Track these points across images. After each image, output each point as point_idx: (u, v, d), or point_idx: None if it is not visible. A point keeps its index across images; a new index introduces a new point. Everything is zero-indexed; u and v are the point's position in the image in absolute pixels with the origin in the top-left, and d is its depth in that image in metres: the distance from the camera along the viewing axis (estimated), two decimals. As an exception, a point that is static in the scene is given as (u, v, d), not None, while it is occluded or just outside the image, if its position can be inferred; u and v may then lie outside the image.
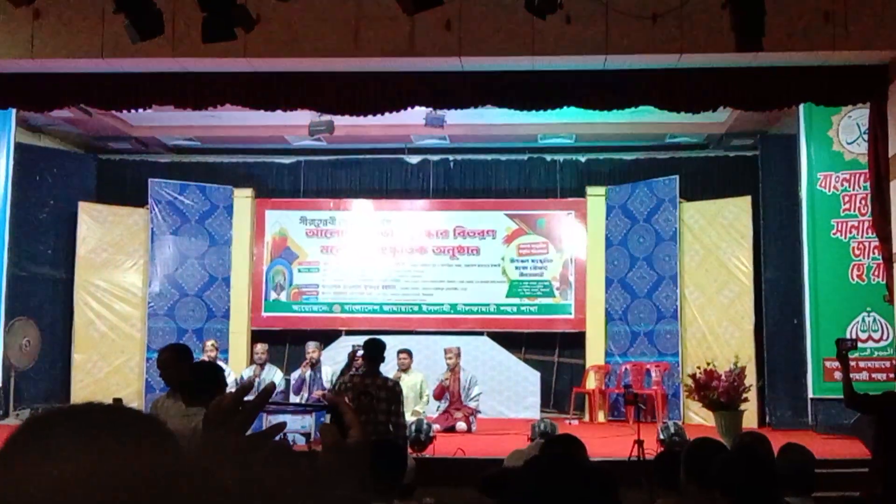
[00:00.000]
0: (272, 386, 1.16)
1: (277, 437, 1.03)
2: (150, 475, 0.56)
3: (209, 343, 11.48)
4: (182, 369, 5.11)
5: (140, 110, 9.58)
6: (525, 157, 13.36)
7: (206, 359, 10.72)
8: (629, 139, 12.80)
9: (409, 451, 7.34)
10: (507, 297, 13.05)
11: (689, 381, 10.45)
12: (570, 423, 11.21)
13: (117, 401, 5.96)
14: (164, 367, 5.10)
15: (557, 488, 1.97)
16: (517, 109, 8.93)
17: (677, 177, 12.44)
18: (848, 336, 9.64)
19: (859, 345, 9.23)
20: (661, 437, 8.26)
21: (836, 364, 8.97)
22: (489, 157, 13.42)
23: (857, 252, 10.28)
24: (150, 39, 7.12)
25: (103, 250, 12.69)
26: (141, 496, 0.55)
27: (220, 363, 10.39)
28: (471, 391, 11.07)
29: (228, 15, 6.93)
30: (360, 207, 13.38)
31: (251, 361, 11.58)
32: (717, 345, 11.72)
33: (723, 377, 10.12)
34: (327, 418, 1.17)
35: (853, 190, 10.33)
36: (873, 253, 9.98)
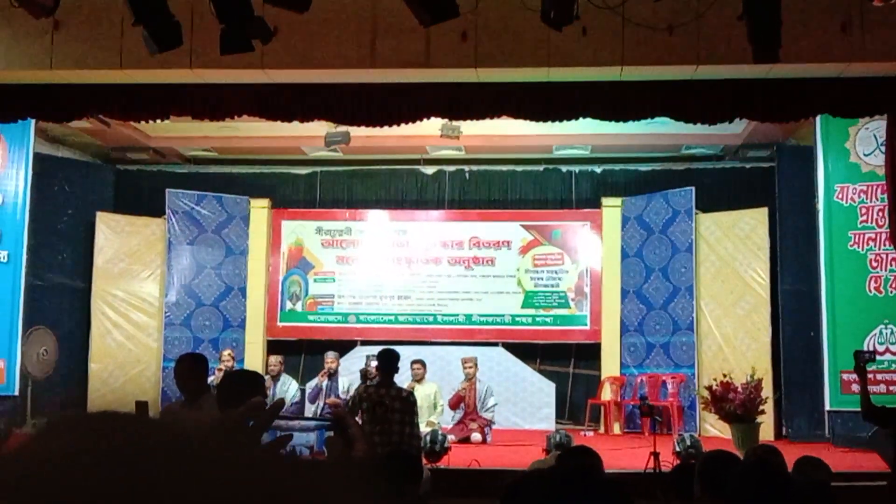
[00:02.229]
0: (281, 402, 1.16)
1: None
2: (161, 483, 0.57)
3: (226, 353, 11.48)
4: (200, 379, 5.11)
5: (158, 121, 9.63)
6: (541, 167, 13.36)
7: (222, 368, 10.74)
8: (645, 150, 12.79)
9: (424, 461, 7.34)
10: (523, 307, 13.04)
11: (706, 393, 10.42)
12: (585, 435, 11.18)
13: (142, 404, 5.91)
14: (182, 377, 5.08)
15: (573, 501, 1.97)
16: (533, 120, 8.94)
17: (693, 188, 12.41)
18: (865, 348, 9.59)
19: (877, 357, 9.18)
20: (677, 449, 8.23)
21: (853, 376, 8.93)
22: (505, 167, 13.42)
23: (874, 264, 10.23)
24: (169, 51, 7.17)
25: (120, 260, 12.76)
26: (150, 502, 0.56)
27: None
28: (486, 402, 11.05)
29: (246, 27, 6.97)
30: (376, 218, 13.40)
31: (266, 372, 11.58)
32: (733, 356, 11.67)
33: (739, 389, 10.08)
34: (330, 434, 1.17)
35: (870, 202, 10.28)
36: (891, 265, 9.93)
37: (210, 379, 9.45)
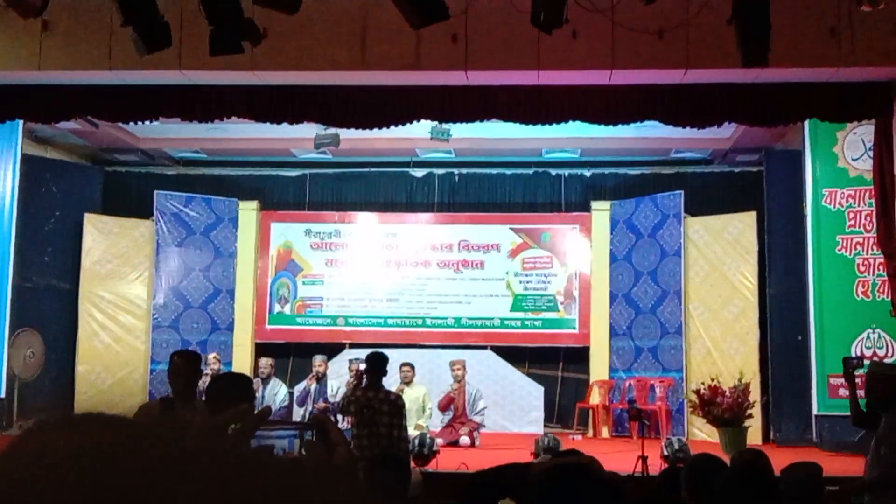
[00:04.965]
0: (268, 409, 1.15)
1: None
2: (146, 486, 0.56)
3: (211, 356, 11.39)
4: (196, 377, 5.02)
5: (146, 122, 9.61)
6: (530, 171, 13.37)
7: (209, 372, 10.68)
8: (634, 154, 12.81)
9: (413, 465, 7.33)
10: (512, 311, 13.04)
11: (694, 397, 10.44)
12: (573, 439, 11.18)
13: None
14: (178, 373, 4.87)
15: (573, 498, 1.97)
16: (522, 123, 8.95)
17: (682, 192, 12.44)
18: (853, 353, 9.63)
19: (865, 362, 9.19)
20: (665, 453, 8.24)
21: (841, 381, 8.95)
22: (494, 171, 13.43)
23: (862, 268, 10.26)
24: (158, 52, 7.15)
25: (108, 262, 12.71)
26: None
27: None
28: (476, 405, 11.05)
29: (236, 28, 6.96)
30: (365, 220, 13.39)
31: (255, 375, 11.56)
32: (721, 360, 11.69)
33: (727, 393, 10.12)
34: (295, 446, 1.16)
35: (858, 206, 10.31)
36: (878, 269, 9.96)
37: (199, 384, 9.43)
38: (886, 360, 9.94)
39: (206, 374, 10.33)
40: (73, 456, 0.57)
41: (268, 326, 13.23)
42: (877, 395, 5.11)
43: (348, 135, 10.58)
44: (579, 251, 13.04)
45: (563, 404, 12.89)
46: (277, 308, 13.30)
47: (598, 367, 12.64)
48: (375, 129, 9.05)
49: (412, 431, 8.82)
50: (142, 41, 7.03)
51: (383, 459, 4.87)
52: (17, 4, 6.94)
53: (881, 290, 10.04)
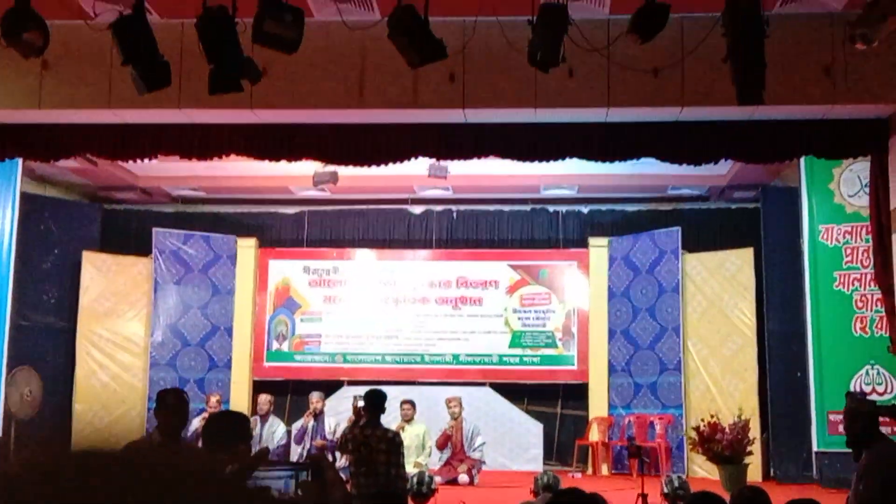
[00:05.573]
0: (266, 451, 1.16)
1: None
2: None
3: (214, 399, 11.28)
4: (184, 416, 5.04)
5: (145, 160, 9.64)
6: (528, 207, 13.41)
7: (208, 414, 10.60)
8: (631, 191, 12.86)
9: (411, 503, 7.28)
10: (510, 347, 13.01)
11: (693, 434, 10.41)
12: (573, 476, 11.12)
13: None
14: (168, 411, 4.97)
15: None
16: (520, 160, 8.99)
17: (679, 228, 12.46)
18: (852, 389, 9.61)
19: (866, 398, 9.17)
20: (665, 490, 8.16)
21: (841, 417, 8.91)
22: (492, 207, 13.47)
23: (859, 304, 10.27)
24: (157, 91, 7.20)
25: (106, 300, 12.70)
26: None
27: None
28: (474, 441, 10.99)
29: (235, 67, 7.01)
30: (363, 257, 13.40)
31: (253, 412, 11.50)
32: (720, 397, 11.66)
33: (727, 430, 10.08)
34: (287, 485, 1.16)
35: (855, 242, 10.34)
36: (876, 305, 9.96)
37: (197, 424, 9.37)
38: (885, 396, 9.92)
39: (206, 418, 10.29)
40: (74, 480, 0.58)
41: (266, 364, 13.19)
42: (856, 432, 5.12)
43: (346, 172, 10.62)
44: (577, 287, 13.04)
45: (563, 441, 12.83)
46: (275, 345, 13.27)
47: (597, 404, 12.60)
48: (374, 167, 9.09)
49: (411, 469, 8.77)
50: (141, 80, 7.08)
51: (381, 497, 4.84)
52: (18, 43, 6.99)
53: (879, 326, 10.04)
